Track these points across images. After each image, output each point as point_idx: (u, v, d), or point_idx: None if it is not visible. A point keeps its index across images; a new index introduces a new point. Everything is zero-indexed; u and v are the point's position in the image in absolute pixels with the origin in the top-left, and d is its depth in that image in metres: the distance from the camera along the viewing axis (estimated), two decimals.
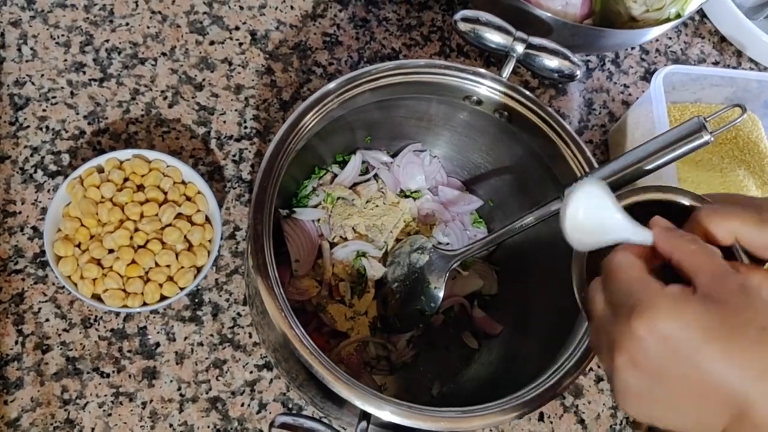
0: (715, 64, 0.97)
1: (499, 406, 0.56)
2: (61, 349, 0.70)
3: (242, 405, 0.70)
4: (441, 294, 0.68)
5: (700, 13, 0.99)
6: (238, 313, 0.73)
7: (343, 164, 0.76)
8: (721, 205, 0.43)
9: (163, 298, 0.69)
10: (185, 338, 0.72)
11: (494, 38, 0.65)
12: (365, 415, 0.53)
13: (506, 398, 0.56)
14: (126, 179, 0.72)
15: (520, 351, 0.71)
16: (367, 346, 0.71)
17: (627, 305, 0.39)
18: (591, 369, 0.78)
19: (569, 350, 0.59)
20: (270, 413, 0.70)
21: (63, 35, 0.82)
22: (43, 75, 0.80)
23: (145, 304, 0.69)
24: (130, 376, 0.70)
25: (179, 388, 0.70)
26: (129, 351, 0.71)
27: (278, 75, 0.85)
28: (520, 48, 0.65)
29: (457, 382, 0.73)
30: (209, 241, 0.72)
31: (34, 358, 0.69)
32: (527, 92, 0.65)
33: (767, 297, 0.37)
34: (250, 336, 0.73)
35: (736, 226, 0.41)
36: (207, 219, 0.73)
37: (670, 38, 0.97)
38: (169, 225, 0.70)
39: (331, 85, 0.63)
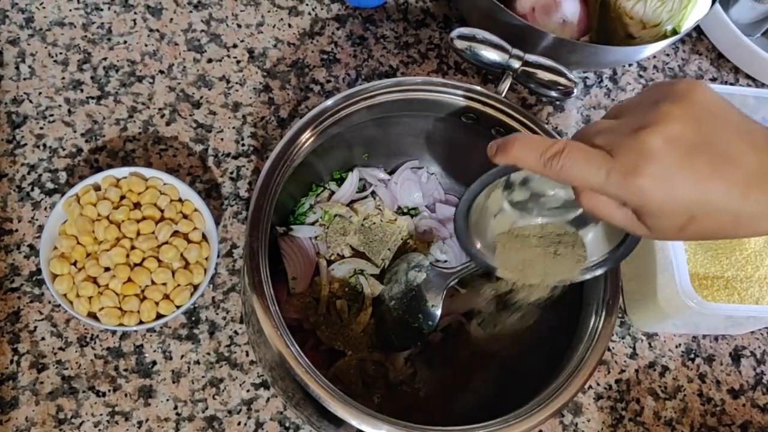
0: (713, 80, 0.97)
1: (498, 425, 0.56)
2: (56, 367, 0.69)
3: (239, 424, 0.70)
4: (439, 312, 0.68)
5: (698, 29, 0.99)
6: (235, 332, 0.73)
7: (340, 181, 0.76)
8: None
9: (159, 316, 0.69)
10: (182, 356, 0.71)
11: (490, 56, 0.65)
12: None
13: (505, 416, 0.56)
14: (123, 197, 0.72)
15: (518, 369, 0.71)
16: (365, 365, 0.70)
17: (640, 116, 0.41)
18: (590, 387, 0.77)
19: (568, 368, 0.59)
20: None
21: (61, 53, 0.82)
22: (40, 93, 0.80)
23: (141, 322, 0.68)
24: (126, 395, 0.69)
25: (175, 407, 0.70)
26: (125, 370, 0.70)
27: (276, 93, 0.85)
28: (516, 65, 0.65)
29: (456, 400, 0.72)
30: (206, 258, 0.71)
31: (29, 377, 0.68)
32: (524, 110, 0.65)
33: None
34: (247, 354, 0.72)
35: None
36: (204, 237, 0.72)
37: (668, 55, 0.97)
38: (166, 243, 0.70)
39: (329, 102, 0.63)
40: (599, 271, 0.55)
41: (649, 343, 0.80)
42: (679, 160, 0.39)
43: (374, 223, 0.74)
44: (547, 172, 0.43)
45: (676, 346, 0.81)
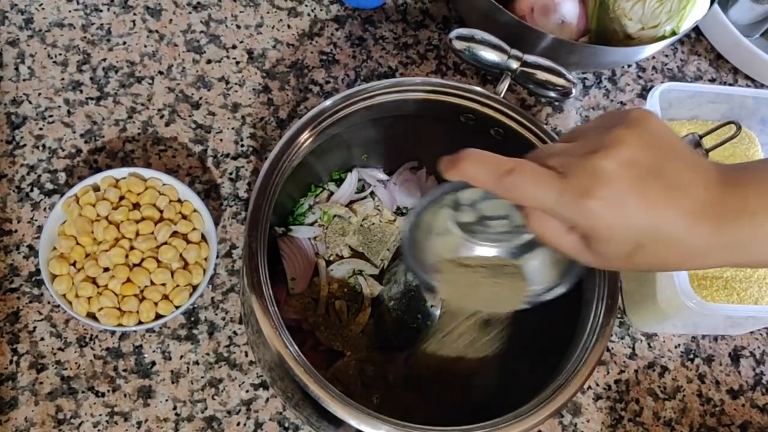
0: (712, 81, 0.97)
1: (497, 425, 0.55)
2: (56, 368, 0.69)
3: (238, 424, 0.70)
4: (438, 312, 0.68)
5: (696, 30, 0.99)
6: (234, 332, 0.73)
7: (339, 182, 0.76)
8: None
9: (158, 316, 0.69)
10: (181, 357, 0.71)
11: (489, 56, 0.65)
12: None
13: (504, 417, 0.56)
14: (122, 197, 0.72)
15: (517, 369, 0.71)
16: (364, 365, 0.70)
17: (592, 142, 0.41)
18: (589, 387, 0.77)
19: (567, 368, 0.59)
20: None
21: (60, 54, 0.82)
22: (40, 94, 0.80)
23: (140, 322, 0.68)
24: (125, 396, 0.69)
25: (175, 408, 0.70)
26: (124, 370, 0.70)
27: (275, 93, 0.85)
28: (515, 66, 0.65)
29: (455, 400, 0.72)
30: (205, 259, 0.71)
31: (28, 378, 0.68)
32: (522, 110, 0.65)
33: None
34: (246, 355, 0.72)
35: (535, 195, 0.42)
36: (203, 237, 0.73)
37: (667, 56, 0.97)
38: (165, 243, 0.70)
39: (327, 102, 0.63)
40: (544, 298, 0.54)
41: (649, 344, 0.80)
42: (631, 184, 0.39)
43: (373, 224, 0.74)
44: (498, 189, 0.42)
45: (676, 347, 0.81)
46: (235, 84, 0.84)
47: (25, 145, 0.77)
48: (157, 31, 0.86)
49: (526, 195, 0.41)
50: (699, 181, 0.40)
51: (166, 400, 0.70)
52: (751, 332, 0.83)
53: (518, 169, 0.41)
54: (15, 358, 0.69)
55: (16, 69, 0.81)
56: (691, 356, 0.81)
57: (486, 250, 0.53)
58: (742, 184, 0.40)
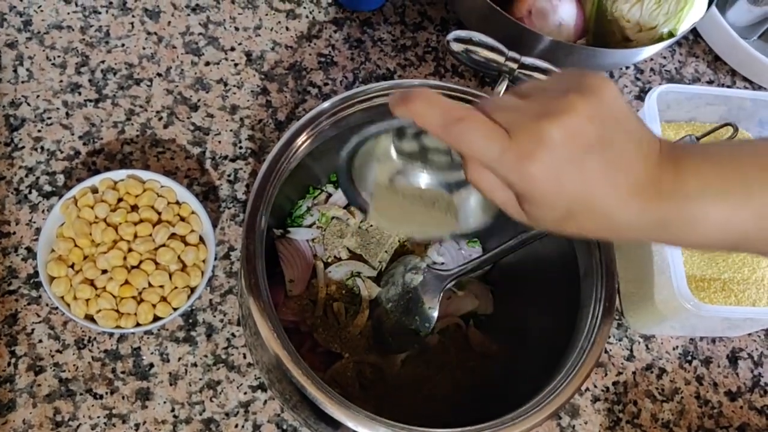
0: (710, 83, 0.97)
1: (495, 427, 0.56)
2: (54, 370, 0.69)
3: (236, 426, 0.70)
4: (435, 314, 0.68)
5: (694, 32, 0.99)
6: (233, 334, 0.73)
7: (337, 184, 0.76)
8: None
9: (156, 318, 0.69)
10: (179, 359, 0.71)
11: (487, 58, 0.65)
12: None
13: (502, 418, 0.56)
14: (120, 200, 0.72)
15: (516, 370, 0.71)
16: (362, 367, 0.71)
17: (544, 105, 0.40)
18: (587, 389, 0.77)
19: (565, 370, 0.59)
20: None
21: (59, 56, 0.82)
22: (38, 96, 0.80)
23: (138, 324, 0.68)
24: (123, 398, 0.69)
25: (173, 410, 0.70)
26: (122, 372, 0.70)
27: (273, 95, 0.85)
28: (513, 68, 0.65)
29: (453, 402, 0.72)
30: (203, 261, 0.71)
31: (26, 380, 0.68)
32: None
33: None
34: (245, 357, 0.72)
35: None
36: (201, 239, 0.73)
37: (665, 57, 0.97)
38: (163, 245, 0.70)
39: (325, 104, 0.63)
40: (469, 234, 0.55)
41: (647, 346, 0.80)
42: (572, 155, 0.39)
43: (371, 226, 0.74)
44: (443, 135, 0.42)
45: (674, 348, 0.81)
46: (234, 86, 0.84)
47: (23, 147, 0.77)
48: (155, 33, 0.86)
49: (470, 147, 0.41)
50: (640, 158, 0.40)
51: (164, 402, 0.70)
52: (749, 334, 0.83)
53: (467, 119, 0.41)
54: (13, 360, 0.69)
55: (15, 71, 0.81)
56: (689, 358, 0.81)
57: (422, 181, 0.53)
58: (683, 166, 0.41)
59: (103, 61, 0.83)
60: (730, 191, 0.40)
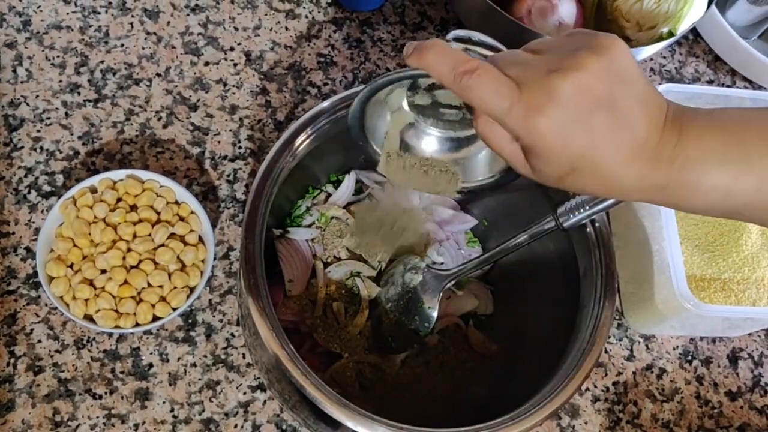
0: (710, 82, 0.97)
1: (495, 427, 0.55)
2: (53, 370, 0.69)
3: (236, 427, 0.70)
4: (435, 314, 0.68)
5: (694, 32, 0.99)
6: (232, 334, 0.73)
7: (337, 184, 0.76)
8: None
9: (155, 318, 0.69)
10: (178, 359, 0.71)
11: (486, 57, 0.65)
12: None
13: (502, 418, 0.56)
14: (119, 199, 0.72)
15: (515, 370, 0.71)
16: (362, 367, 0.70)
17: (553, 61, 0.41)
18: (587, 389, 0.77)
19: (564, 370, 0.59)
20: None
21: (58, 56, 0.82)
22: (37, 96, 0.80)
23: (137, 324, 0.68)
24: (122, 398, 0.69)
25: (172, 410, 0.69)
26: (122, 372, 0.70)
27: (273, 95, 0.85)
28: None
29: (453, 402, 0.72)
30: (202, 261, 0.71)
31: (26, 380, 0.68)
32: None
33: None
34: (244, 357, 0.72)
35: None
36: (200, 239, 0.72)
37: (665, 57, 0.97)
38: (162, 245, 0.70)
39: (325, 104, 0.63)
40: (477, 188, 0.56)
41: (647, 345, 0.80)
42: (581, 111, 0.39)
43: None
44: (454, 86, 0.43)
45: (674, 348, 0.81)
46: (233, 86, 0.84)
47: (22, 147, 0.77)
48: (154, 34, 0.86)
49: (480, 99, 0.41)
50: (645, 120, 0.41)
51: (164, 403, 0.70)
52: (749, 334, 0.83)
53: (479, 71, 0.41)
54: (12, 361, 0.69)
55: (14, 71, 0.81)
56: (689, 358, 0.81)
57: (432, 134, 0.54)
58: (686, 131, 0.41)
59: (102, 61, 0.83)
60: (730, 158, 0.41)
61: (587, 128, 0.40)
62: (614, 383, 0.78)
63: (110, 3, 0.86)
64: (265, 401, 0.71)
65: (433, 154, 0.55)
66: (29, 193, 0.75)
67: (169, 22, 0.87)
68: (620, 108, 0.40)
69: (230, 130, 0.82)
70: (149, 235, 0.70)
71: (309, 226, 0.74)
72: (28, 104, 0.79)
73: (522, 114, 0.40)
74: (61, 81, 0.81)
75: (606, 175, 0.41)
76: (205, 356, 0.72)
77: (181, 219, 0.72)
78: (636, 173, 0.41)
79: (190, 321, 0.73)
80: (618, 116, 0.40)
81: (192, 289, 0.70)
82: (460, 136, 0.54)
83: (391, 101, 0.54)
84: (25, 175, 0.76)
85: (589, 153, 0.40)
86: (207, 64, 0.85)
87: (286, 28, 0.89)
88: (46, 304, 0.71)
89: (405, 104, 0.54)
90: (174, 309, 0.69)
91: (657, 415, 0.77)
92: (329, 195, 0.76)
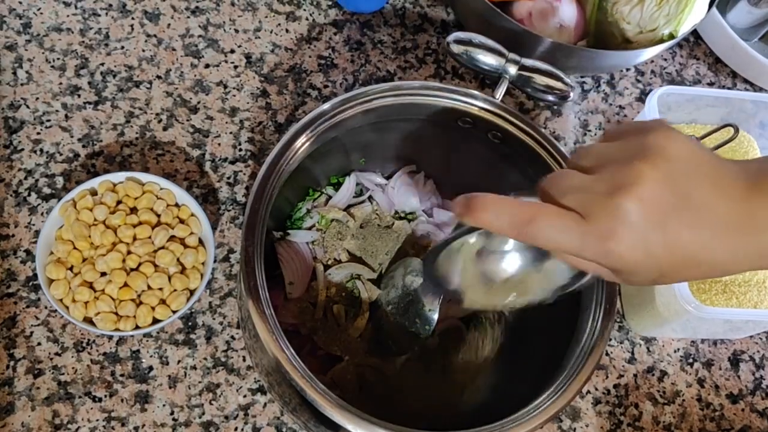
0: (711, 85, 0.97)
1: (495, 429, 0.55)
2: (53, 373, 0.69)
3: (236, 430, 0.69)
4: (436, 316, 0.68)
5: (695, 34, 0.99)
6: (232, 336, 0.73)
7: (337, 186, 0.76)
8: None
9: (155, 321, 0.69)
10: (178, 362, 0.71)
11: (487, 60, 0.65)
12: None
13: (502, 421, 0.56)
14: (119, 202, 0.72)
15: (516, 373, 0.71)
16: (362, 370, 0.70)
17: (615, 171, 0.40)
18: (588, 391, 0.77)
19: (565, 372, 0.59)
20: None
21: (58, 59, 0.82)
22: (37, 98, 0.80)
23: (137, 327, 0.68)
24: (122, 401, 0.69)
25: (172, 413, 0.69)
26: (122, 375, 0.70)
27: (273, 98, 0.85)
28: (513, 69, 0.65)
29: (453, 404, 0.72)
30: (202, 263, 0.71)
31: (25, 383, 0.68)
32: (520, 114, 0.65)
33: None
34: (244, 359, 0.72)
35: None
36: (200, 242, 0.72)
37: (665, 59, 0.97)
38: (162, 248, 0.70)
39: (325, 106, 0.63)
40: (570, 289, 0.54)
41: (648, 348, 0.80)
42: (654, 222, 0.39)
43: (372, 228, 0.74)
44: (520, 239, 0.42)
45: (675, 351, 0.81)
46: (234, 88, 0.84)
47: (22, 150, 0.77)
48: (155, 36, 0.86)
49: (550, 243, 0.41)
50: (721, 198, 0.40)
51: (164, 405, 0.69)
52: (751, 336, 0.83)
53: (538, 217, 0.40)
54: (12, 363, 0.69)
55: (14, 73, 0.80)
56: (691, 360, 0.80)
57: (510, 259, 0.53)
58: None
59: (102, 64, 0.83)
60: None
61: (665, 234, 0.39)
62: (615, 386, 0.78)
63: (110, 5, 0.86)
64: (265, 404, 0.71)
65: (513, 271, 0.53)
66: (29, 195, 0.75)
67: (169, 25, 0.86)
68: (692, 200, 0.39)
69: (230, 133, 0.82)
70: (149, 237, 0.70)
71: (309, 228, 0.73)
72: (28, 106, 0.79)
73: (595, 244, 0.39)
74: (61, 83, 0.81)
75: (701, 264, 0.40)
76: (206, 359, 0.72)
77: (181, 221, 0.72)
78: (730, 249, 0.40)
79: (190, 324, 0.73)
80: (693, 209, 0.39)
81: (192, 292, 0.70)
82: (538, 254, 0.53)
83: (455, 246, 0.53)
84: (25, 178, 0.76)
85: (676, 255, 0.40)
86: (207, 66, 0.85)
87: (287, 31, 0.89)
88: (45, 307, 0.71)
89: (476, 241, 0.52)
90: (174, 312, 0.69)
91: (658, 417, 0.77)
92: (330, 197, 0.76)
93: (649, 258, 0.39)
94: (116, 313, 0.68)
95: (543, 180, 0.43)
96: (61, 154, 0.78)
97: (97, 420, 0.68)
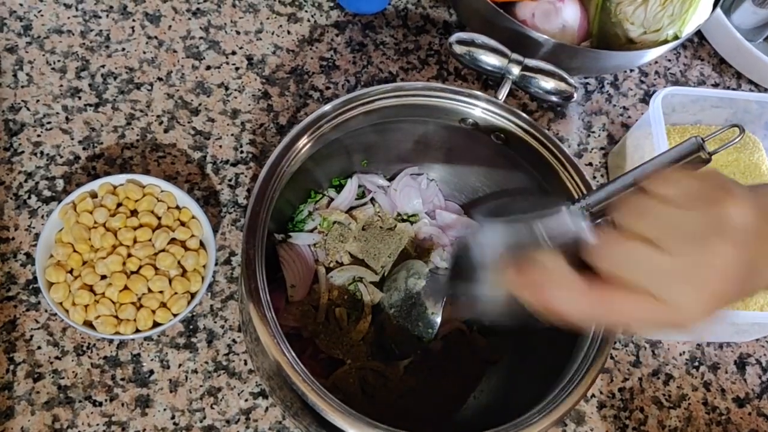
0: (715, 85, 0.97)
1: None
2: (53, 377, 0.68)
3: None
4: (438, 320, 0.67)
5: (699, 35, 0.98)
6: (234, 340, 0.72)
7: (339, 188, 0.76)
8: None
9: (156, 324, 0.68)
10: (179, 365, 0.71)
11: (489, 60, 0.64)
12: None
13: (506, 425, 0.55)
14: (119, 204, 0.71)
15: (520, 377, 0.70)
16: (364, 374, 0.70)
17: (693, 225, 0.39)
18: (593, 395, 0.76)
19: (570, 375, 0.58)
20: None
21: (59, 61, 0.82)
22: (38, 101, 0.79)
23: (138, 330, 0.68)
24: (122, 405, 0.68)
25: (173, 417, 0.69)
26: (122, 379, 0.69)
27: (275, 99, 0.84)
28: (516, 70, 0.65)
29: (457, 408, 0.71)
30: (203, 266, 0.71)
31: (25, 387, 0.68)
32: (524, 114, 0.65)
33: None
34: (246, 363, 0.71)
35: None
36: (201, 244, 0.72)
37: (669, 60, 0.97)
38: (163, 250, 0.70)
39: (327, 107, 0.62)
40: None
41: (653, 351, 0.79)
42: (726, 292, 0.39)
43: (374, 231, 0.73)
44: (595, 321, 0.42)
45: (680, 354, 0.80)
46: (235, 90, 0.84)
47: (23, 152, 0.77)
48: (156, 38, 0.85)
49: (624, 320, 0.41)
50: None
51: (165, 410, 0.69)
52: (757, 339, 0.82)
53: (610, 301, 0.40)
54: (12, 367, 0.68)
55: (15, 76, 0.80)
56: (696, 364, 0.80)
57: None
58: None
59: (103, 66, 0.82)
60: None
61: (727, 298, 0.40)
62: (620, 389, 0.77)
63: (111, 7, 0.86)
64: (267, 408, 0.70)
65: None
66: (29, 198, 0.75)
67: (170, 26, 0.86)
68: (757, 263, 0.40)
69: (232, 135, 0.82)
70: (150, 240, 0.70)
71: (311, 230, 0.73)
72: (28, 109, 0.79)
73: (670, 321, 0.40)
74: (61, 85, 0.81)
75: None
76: (207, 362, 0.71)
77: (182, 224, 0.72)
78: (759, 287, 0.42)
79: (191, 327, 0.72)
80: (753, 270, 0.40)
81: (193, 295, 0.70)
82: None
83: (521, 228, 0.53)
84: (26, 180, 0.76)
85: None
86: (208, 68, 0.85)
87: (288, 32, 0.89)
88: (45, 310, 0.71)
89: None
90: (175, 315, 0.68)
91: (664, 421, 0.76)
92: (331, 199, 0.75)
93: (717, 312, 0.40)
94: (116, 317, 0.68)
95: (599, 252, 0.41)
96: (61, 157, 0.77)
97: (98, 425, 0.67)
